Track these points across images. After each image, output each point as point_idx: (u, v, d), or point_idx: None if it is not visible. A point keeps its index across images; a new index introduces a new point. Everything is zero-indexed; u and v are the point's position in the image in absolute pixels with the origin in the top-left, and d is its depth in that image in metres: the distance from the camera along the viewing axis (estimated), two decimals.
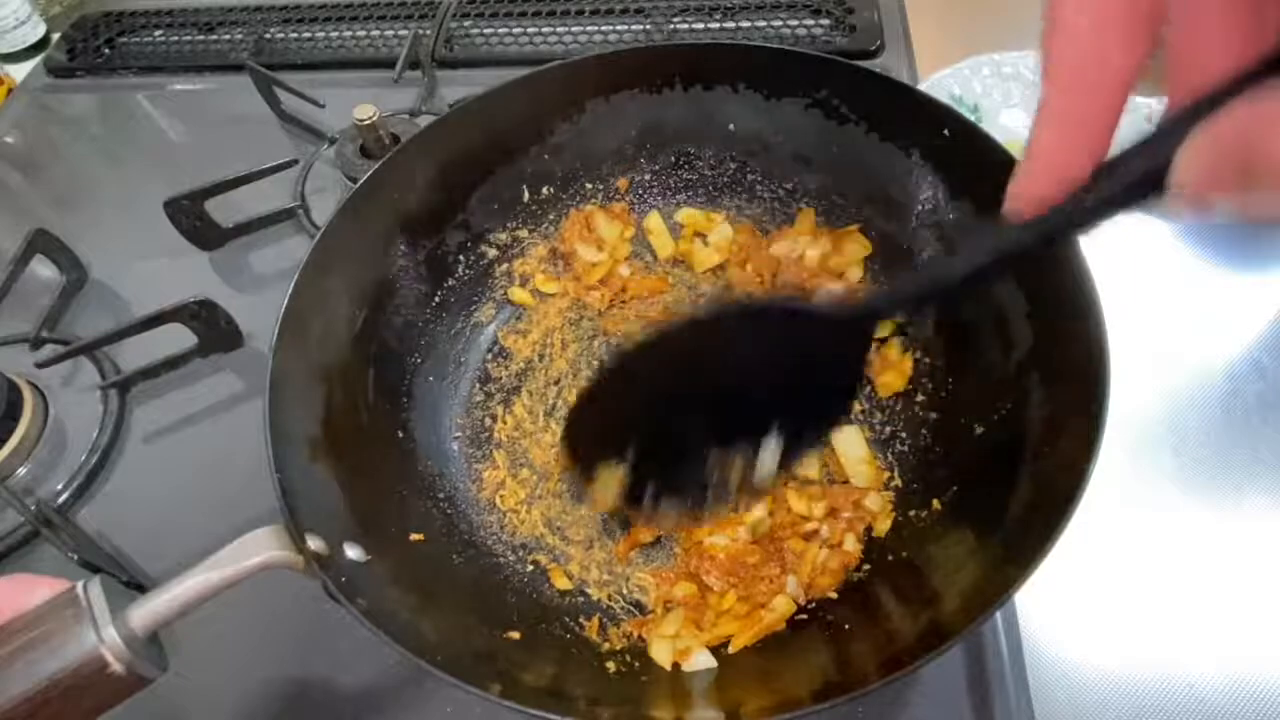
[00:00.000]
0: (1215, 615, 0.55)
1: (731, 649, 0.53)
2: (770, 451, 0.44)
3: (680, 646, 0.52)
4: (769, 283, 0.69)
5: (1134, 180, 0.27)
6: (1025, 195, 0.30)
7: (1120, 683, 0.53)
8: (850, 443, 0.62)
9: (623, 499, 0.48)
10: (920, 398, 0.63)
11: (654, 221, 0.74)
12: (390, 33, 1.02)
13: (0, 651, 0.38)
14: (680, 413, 0.44)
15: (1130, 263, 0.72)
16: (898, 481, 0.60)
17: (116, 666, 0.39)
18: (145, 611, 0.40)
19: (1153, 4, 0.25)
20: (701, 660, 0.52)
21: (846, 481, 0.61)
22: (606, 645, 0.55)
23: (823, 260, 0.68)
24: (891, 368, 0.64)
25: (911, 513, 0.57)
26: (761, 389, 0.43)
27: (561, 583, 0.59)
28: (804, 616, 0.55)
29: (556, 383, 0.69)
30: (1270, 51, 0.24)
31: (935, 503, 0.56)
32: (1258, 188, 0.23)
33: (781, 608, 0.55)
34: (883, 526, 0.57)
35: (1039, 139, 0.28)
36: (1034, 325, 0.53)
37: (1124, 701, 0.53)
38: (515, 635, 0.53)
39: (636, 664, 0.53)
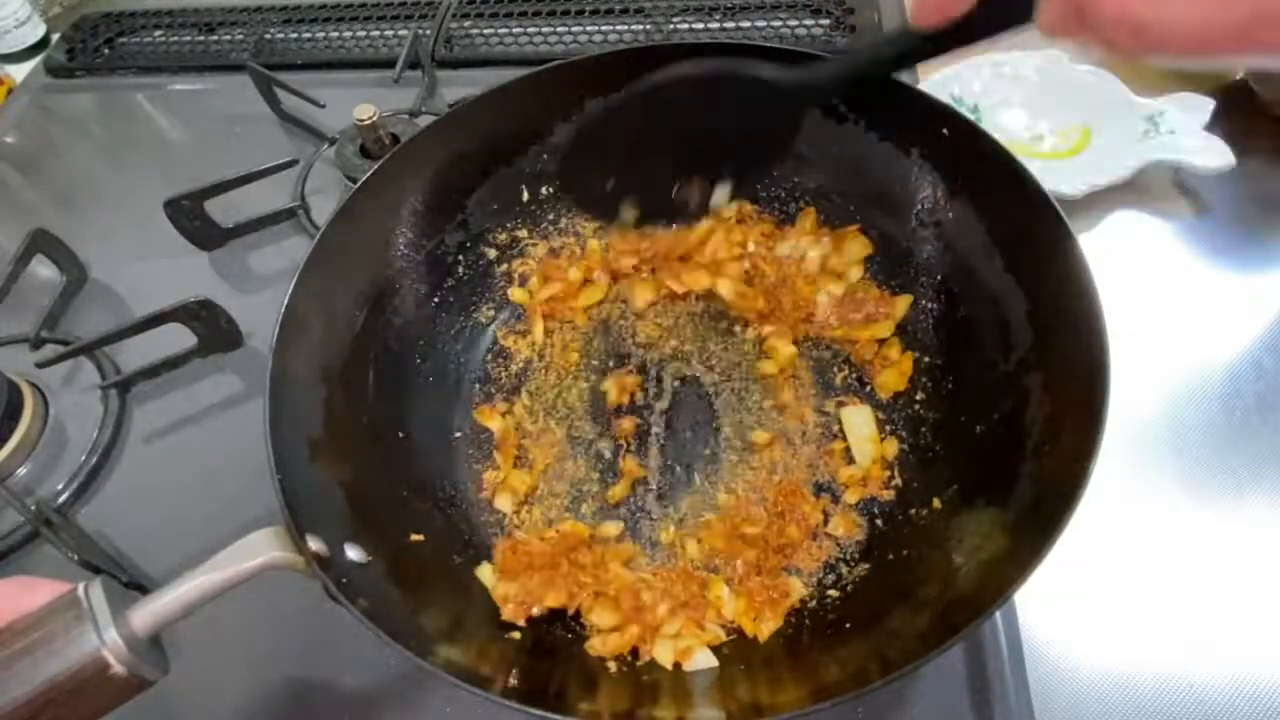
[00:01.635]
0: (1215, 615, 0.55)
1: (762, 638, 0.54)
2: (723, 188, 0.56)
3: (681, 646, 0.52)
4: (767, 279, 0.69)
5: (1009, 7, 0.39)
6: (925, 13, 0.42)
7: (1120, 683, 0.53)
8: (860, 420, 0.63)
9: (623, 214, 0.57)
10: (920, 397, 0.63)
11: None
12: (390, 33, 1.02)
13: (2, 653, 0.38)
14: (654, 155, 0.55)
15: (1130, 262, 0.72)
16: (898, 480, 0.60)
17: (118, 668, 0.39)
18: (146, 613, 0.40)
19: None
20: (702, 660, 0.52)
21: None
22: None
23: (823, 260, 0.68)
24: (891, 367, 0.64)
25: (912, 511, 0.57)
26: (717, 135, 0.54)
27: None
28: (804, 616, 0.55)
29: (556, 383, 0.69)
30: None
31: (935, 501, 0.56)
32: (1091, 31, 0.33)
33: (796, 592, 0.56)
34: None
35: None
36: (1034, 324, 0.54)
37: (1124, 701, 0.53)
38: (516, 635, 0.53)
39: (637, 664, 0.53)
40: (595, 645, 0.53)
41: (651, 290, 0.71)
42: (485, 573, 0.58)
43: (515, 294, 0.72)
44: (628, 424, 0.65)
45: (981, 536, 0.49)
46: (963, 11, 0.40)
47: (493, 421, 0.66)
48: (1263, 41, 0.31)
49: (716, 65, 0.51)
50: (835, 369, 0.66)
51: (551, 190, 0.72)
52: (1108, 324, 0.46)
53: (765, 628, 0.54)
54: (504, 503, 0.63)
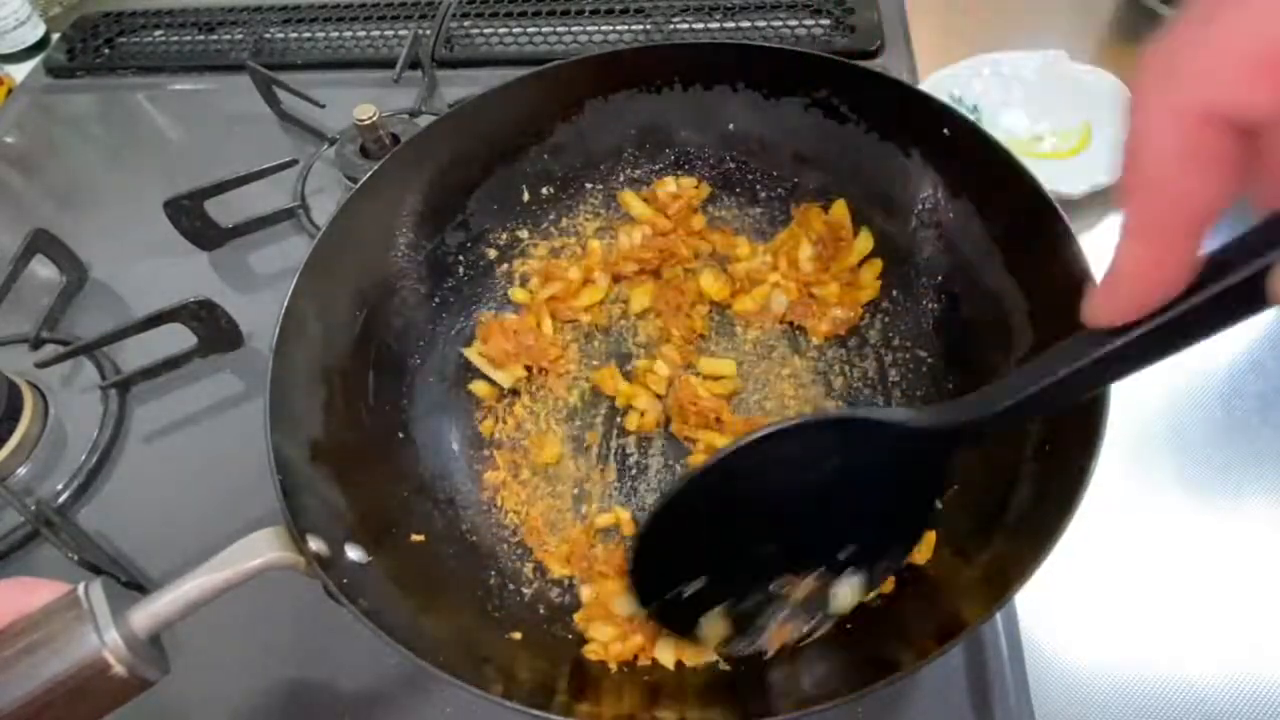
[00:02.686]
0: (1215, 615, 0.55)
1: None
2: (849, 584, 0.43)
3: (683, 646, 0.52)
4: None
5: (1230, 291, 0.26)
6: (1108, 310, 0.28)
7: (1120, 683, 0.53)
8: None
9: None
10: (920, 397, 0.63)
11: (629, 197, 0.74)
12: (390, 33, 1.02)
13: (2, 654, 0.38)
14: (751, 539, 0.43)
15: None
16: None
17: (118, 669, 0.38)
18: (147, 613, 0.40)
19: (1241, 134, 0.23)
20: (705, 659, 0.52)
21: None
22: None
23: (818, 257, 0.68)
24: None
25: None
26: (834, 507, 0.41)
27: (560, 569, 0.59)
28: None
29: (555, 384, 0.69)
30: None
31: (936, 502, 0.56)
32: None
33: None
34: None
35: (1129, 252, 0.26)
36: (1035, 325, 0.54)
37: (1124, 701, 0.53)
38: (516, 635, 0.53)
39: (639, 664, 0.53)
40: (596, 650, 0.53)
41: (649, 296, 0.71)
42: None
43: (516, 294, 0.71)
44: (629, 424, 0.65)
45: (982, 537, 0.49)
46: (1167, 297, 0.26)
47: (493, 423, 0.66)
48: None
49: (828, 417, 0.42)
50: (837, 372, 0.66)
51: (552, 190, 0.72)
52: None
53: None
54: (505, 503, 0.63)
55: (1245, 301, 0.26)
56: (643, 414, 0.65)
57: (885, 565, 0.44)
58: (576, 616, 0.56)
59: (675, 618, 0.47)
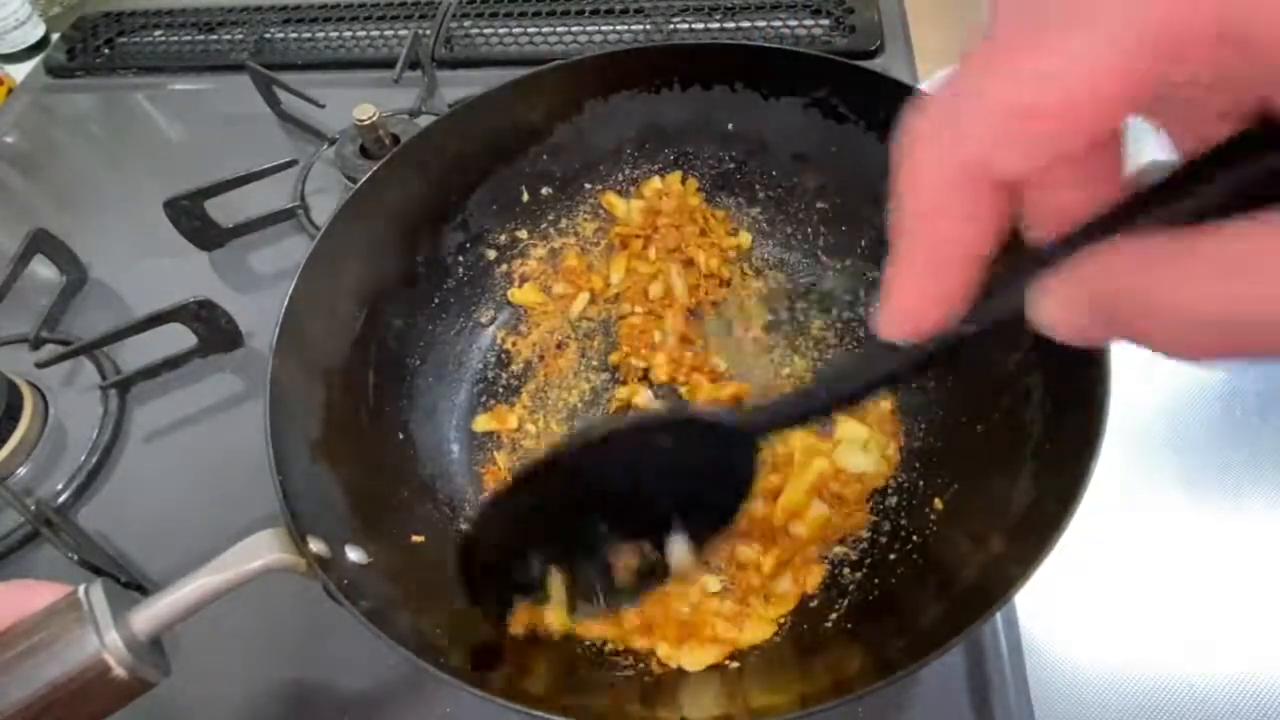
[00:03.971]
0: (1215, 615, 0.55)
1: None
2: (679, 545, 0.45)
3: (684, 647, 0.52)
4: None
5: (1000, 317, 0.27)
6: (890, 332, 0.29)
7: (1120, 683, 0.53)
8: (854, 430, 0.61)
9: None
10: (920, 397, 0.63)
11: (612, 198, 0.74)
12: (390, 33, 1.02)
13: (2, 656, 0.38)
14: (587, 522, 0.45)
15: None
16: (897, 481, 0.60)
17: (119, 671, 0.39)
18: (147, 615, 0.40)
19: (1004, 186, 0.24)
20: (705, 661, 0.52)
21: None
22: (608, 646, 0.55)
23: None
24: None
25: (912, 512, 0.57)
26: (664, 489, 0.44)
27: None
28: (805, 618, 0.55)
29: (557, 383, 0.69)
30: (1130, 196, 0.23)
31: (936, 501, 0.56)
32: (1136, 332, 0.22)
33: (813, 581, 0.55)
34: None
35: (892, 284, 0.27)
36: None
37: (1124, 701, 0.53)
38: (517, 634, 0.53)
39: (640, 664, 0.53)
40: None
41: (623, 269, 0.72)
42: None
43: (515, 295, 0.71)
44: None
45: (982, 537, 0.49)
46: (944, 321, 0.27)
47: (492, 424, 0.66)
48: None
49: (659, 417, 0.45)
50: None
51: (551, 191, 0.72)
52: None
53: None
54: None
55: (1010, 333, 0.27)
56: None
57: (709, 533, 0.47)
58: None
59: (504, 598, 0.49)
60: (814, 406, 0.37)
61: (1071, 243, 0.24)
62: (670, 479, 0.44)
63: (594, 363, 0.70)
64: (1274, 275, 0.19)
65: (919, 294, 0.27)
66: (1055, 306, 0.24)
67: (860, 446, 0.61)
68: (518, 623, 0.49)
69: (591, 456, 0.43)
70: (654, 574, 0.46)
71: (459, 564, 0.47)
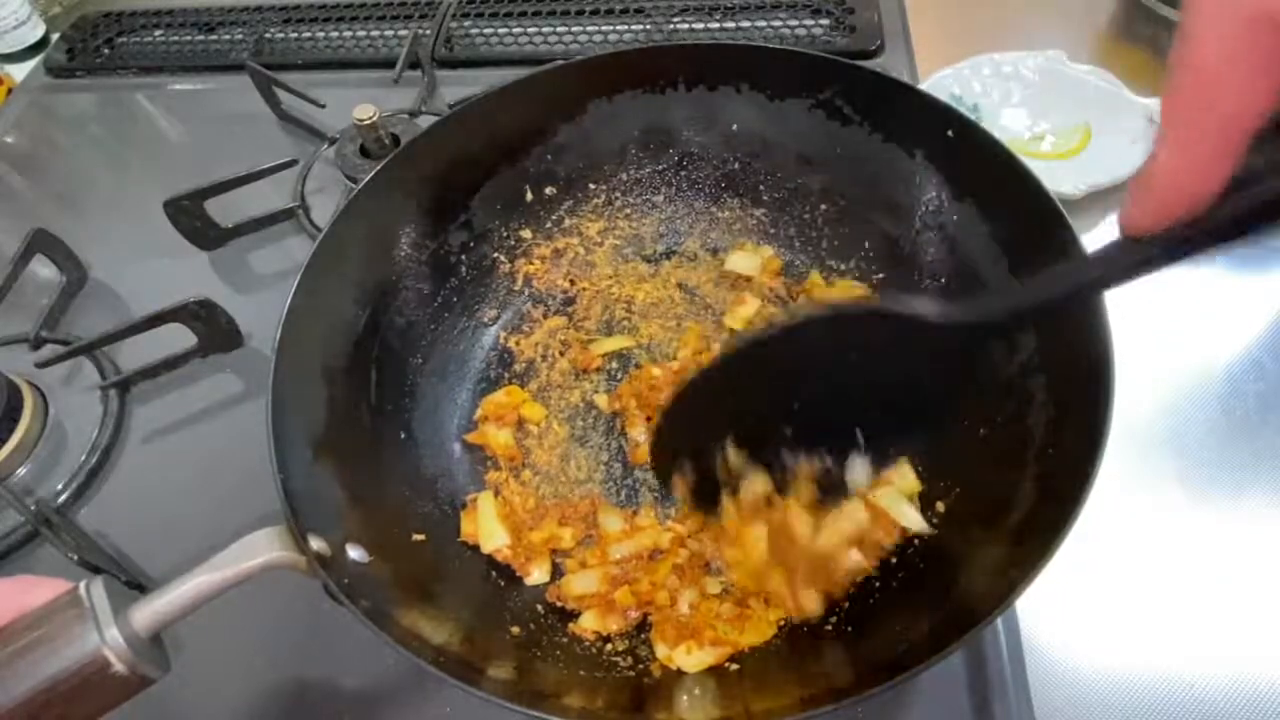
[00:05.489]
0: (1215, 615, 0.55)
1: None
2: (860, 465, 0.45)
3: (683, 648, 0.52)
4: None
5: (1255, 206, 0.27)
6: (1142, 218, 0.29)
7: (1120, 683, 0.53)
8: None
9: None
10: None
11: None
12: (390, 33, 1.02)
13: (3, 652, 0.38)
14: (772, 418, 0.45)
15: None
16: None
17: (119, 667, 0.38)
18: (148, 612, 0.40)
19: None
20: (704, 662, 0.52)
21: None
22: (608, 646, 0.55)
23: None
24: None
25: None
26: (852, 395, 0.43)
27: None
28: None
29: (558, 384, 0.69)
30: None
31: (938, 504, 0.56)
32: None
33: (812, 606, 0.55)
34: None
35: (1160, 159, 0.27)
36: (1037, 327, 0.53)
37: (1124, 702, 0.53)
38: (515, 635, 0.53)
39: (640, 665, 0.53)
40: (585, 624, 0.55)
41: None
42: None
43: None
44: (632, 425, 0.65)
45: (985, 540, 0.49)
46: (1196, 210, 0.27)
47: (492, 427, 0.66)
48: None
49: (854, 308, 0.43)
50: None
51: (555, 190, 0.72)
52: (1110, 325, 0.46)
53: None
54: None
55: (1270, 217, 0.26)
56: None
57: (895, 451, 0.47)
58: (557, 585, 0.57)
59: (699, 491, 0.49)
60: (1024, 303, 0.36)
61: None
62: (860, 385, 0.42)
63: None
64: None
65: (1190, 163, 0.27)
66: None
67: (909, 498, 0.57)
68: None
69: (780, 351, 0.42)
70: (832, 490, 0.46)
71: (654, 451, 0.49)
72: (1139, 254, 0.31)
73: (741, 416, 0.46)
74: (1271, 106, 0.25)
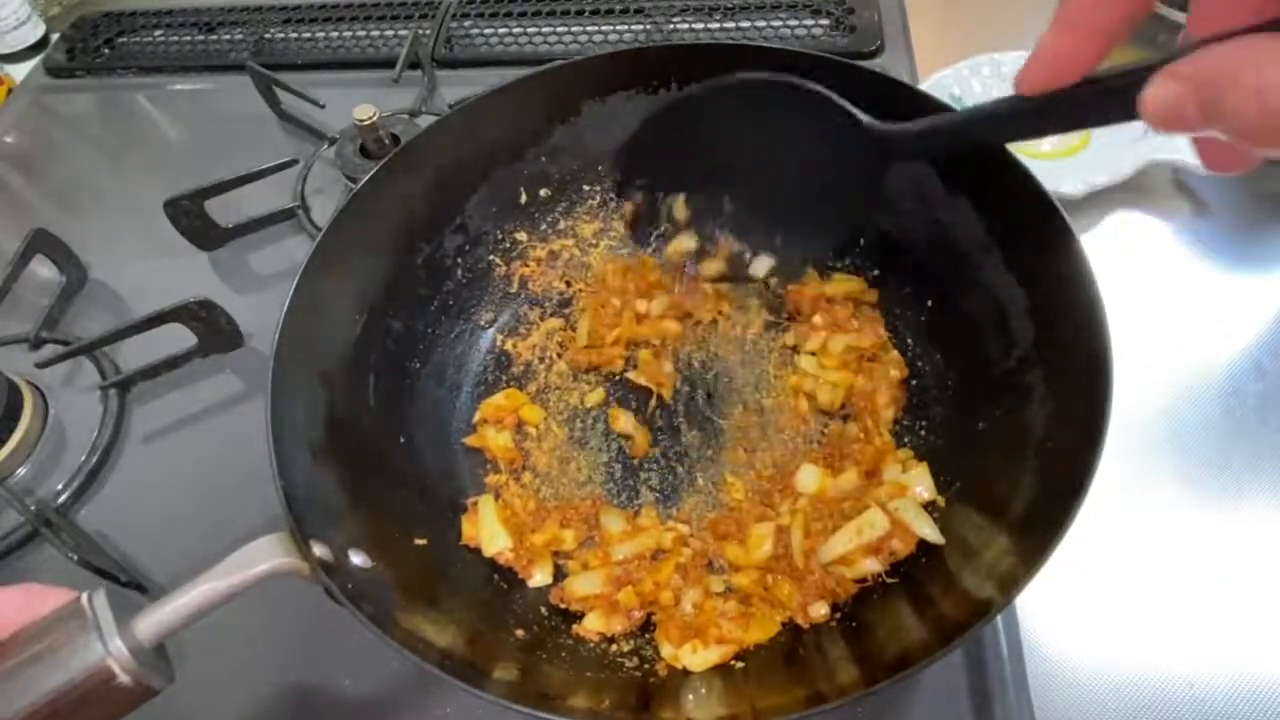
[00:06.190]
0: (1215, 615, 0.55)
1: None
2: (765, 260, 0.56)
3: (688, 647, 0.52)
4: None
5: (1110, 91, 0.35)
6: (1028, 79, 0.37)
7: (1120, 683, 0.53)
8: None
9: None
10: (922, 396, 0.63)
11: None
12: (390, 33, 1.02)
13: (7, 664, 0.38)
14: (719, 186, 0.55)
15: (1130, 262, 0.72)
16: None
17: (123, 678, 0.38)
18: (151, 622, 0.40)
19: None
20: (709, 661, 0.52)
21: None
22: (613, 647, 0.55)
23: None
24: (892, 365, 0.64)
25: None
26: (783, 184, 0.52)
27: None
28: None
29: (557, 386, 0.69)
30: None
31: (939, 500, 0.56)
32: (1226, 126, 0.28)
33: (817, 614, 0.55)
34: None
35: (1047, 38, 0.36)
36: (1035, 322, 0.54)
37: (1124, 701, 0.53)
38: (519, 637, 0.53)
39: (643, 665, 0.53)
40: (590, 625, 0.55)
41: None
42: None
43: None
44: (633, 427, 0.65)
45: (985, 536, 0.49)
46: (1069, 82, 0.36)
47: (491, 430, 0.66)
48: None
49: (808, 85, 0.50)
50: None
51: (550, 192, 0.72)
52: (1109, 323, 0.46)
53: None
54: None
55: (1120, 106, 0.33)
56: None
57: (803, 256, 0.59)
58: (560, 587, 0.58)
59: (639, 219, 0.59)
60: (947, 124, 0.45)
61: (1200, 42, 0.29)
62: (790, 175, 0.51)
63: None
64: None
65: (1058, 49, 0.36)
66: (1163, 85, 0.30)
67: (923, 506, 0.56)
68: None
69: (735, 104, 0.51)
70: (736, 274, 0.57)
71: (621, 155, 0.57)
72: (1024, 107, 0.39)
73: (696, 171, 0.56)
74: (1137, 21, 0.34)
